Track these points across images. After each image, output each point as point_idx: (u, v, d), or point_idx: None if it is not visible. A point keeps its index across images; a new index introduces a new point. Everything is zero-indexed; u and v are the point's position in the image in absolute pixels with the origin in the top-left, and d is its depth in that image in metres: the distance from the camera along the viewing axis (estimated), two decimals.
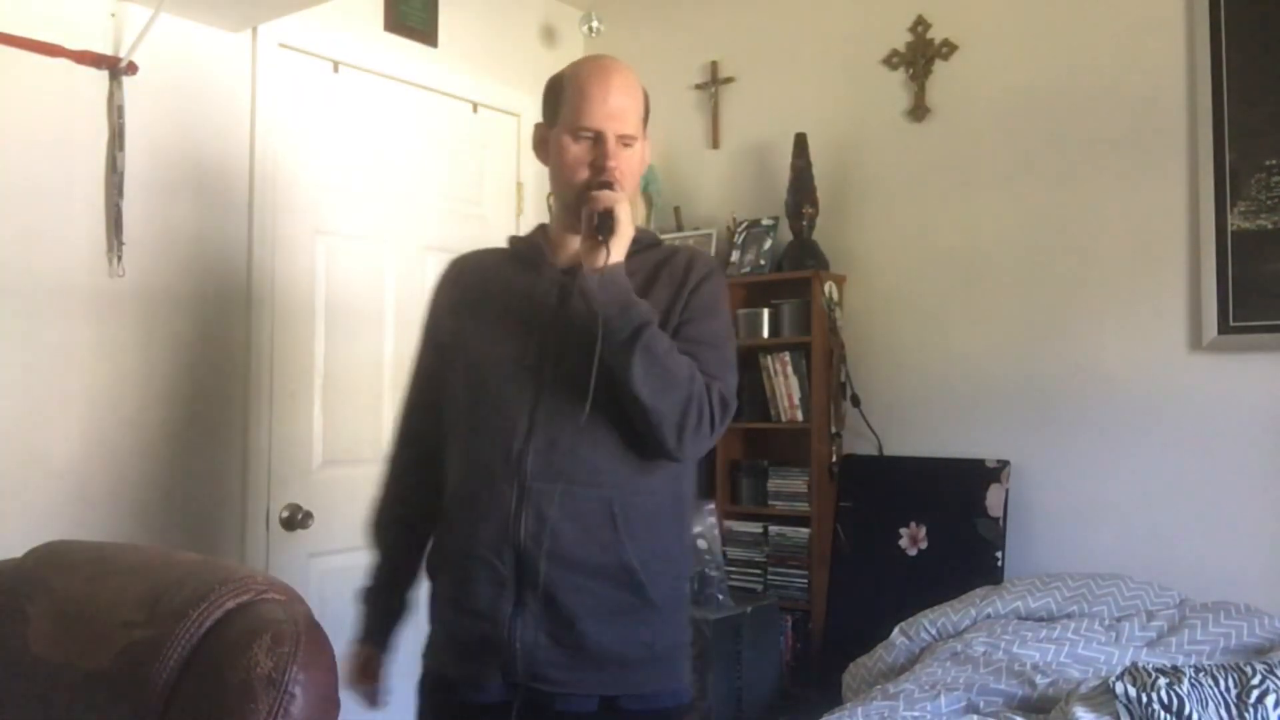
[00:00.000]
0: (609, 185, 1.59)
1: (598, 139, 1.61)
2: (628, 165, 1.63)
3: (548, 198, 3.42)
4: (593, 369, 1.50)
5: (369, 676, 1.75)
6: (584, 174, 1.61)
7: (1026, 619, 2.45)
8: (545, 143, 1.68)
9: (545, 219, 1.82)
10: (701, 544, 2.96)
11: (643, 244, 1.68)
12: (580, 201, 1.59)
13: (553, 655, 1.53)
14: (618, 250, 1.55)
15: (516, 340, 1.63)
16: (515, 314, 1.66)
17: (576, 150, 1.62)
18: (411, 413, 1.79)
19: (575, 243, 1.62)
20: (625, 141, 1.62)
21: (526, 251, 1.72)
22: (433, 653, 1.66)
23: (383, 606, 1.77)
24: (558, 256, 1.68)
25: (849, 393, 3.15)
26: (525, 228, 3.51)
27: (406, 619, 1.79)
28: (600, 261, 1.53)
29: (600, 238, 1.54)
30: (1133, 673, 1.79)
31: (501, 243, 1.81)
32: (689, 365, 1.52)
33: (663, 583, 1.58)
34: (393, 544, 1.78)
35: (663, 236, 3.49)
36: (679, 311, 1.60)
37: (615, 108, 1.61)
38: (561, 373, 1.58)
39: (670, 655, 1.61)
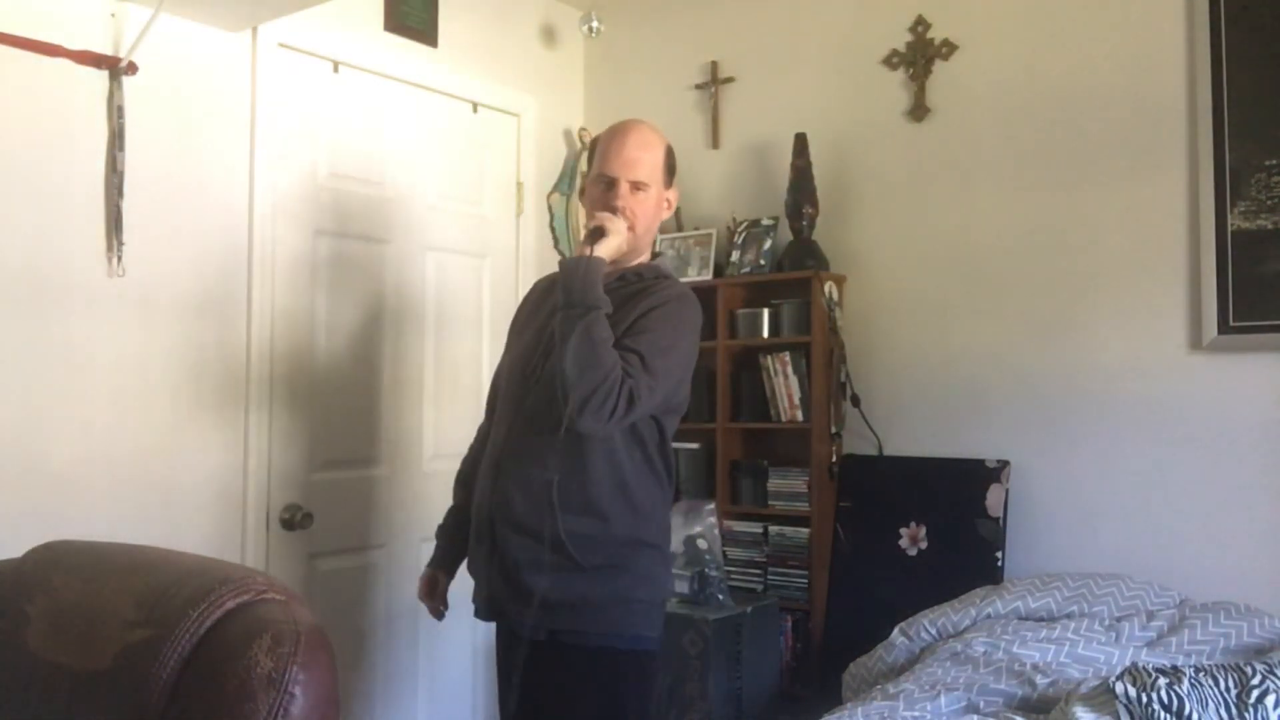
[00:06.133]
0: (614, 213, 1.95)
1: (611, 183, 1.98)
2: (639, 207, 1.99)
3: (548, 197, 3.61)
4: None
5: (434, 595, 2.19)
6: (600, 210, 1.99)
7: (1026, 619, 2.45)
8: (585, 191, 2.10)
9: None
10: (701, 544, 2.96)
11: (647, 278, 2.01)
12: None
13: (508, 595, 1.92)
14: (601, 250, 1.87)
15: (527, 347, 2.01)
16: (535, 325, 2.04)
17: (596, 192, 2.01)
18: (489, 396, 2.21)
19: None
20: (637, 186, 1.98)
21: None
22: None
23: (448, 542, 2.20)
24: None
25: (849, 393, 3.15)
26: (525, 228, 3.55)
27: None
28: (583, 254, 1.87)
29: (588, 242, 1.89)
30: (1133, 673, 1.79)
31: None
32: (616, 360, 1.79)
33: (594, 553, 1.88)
34: (460, 494, 2.19)
35: (661, 236, 3.51)
36: (631, 323, 1.89)
37: (628, 158, 1.98)
38: (544, 372, 1.92)
39: (605, 607, 1.89)
